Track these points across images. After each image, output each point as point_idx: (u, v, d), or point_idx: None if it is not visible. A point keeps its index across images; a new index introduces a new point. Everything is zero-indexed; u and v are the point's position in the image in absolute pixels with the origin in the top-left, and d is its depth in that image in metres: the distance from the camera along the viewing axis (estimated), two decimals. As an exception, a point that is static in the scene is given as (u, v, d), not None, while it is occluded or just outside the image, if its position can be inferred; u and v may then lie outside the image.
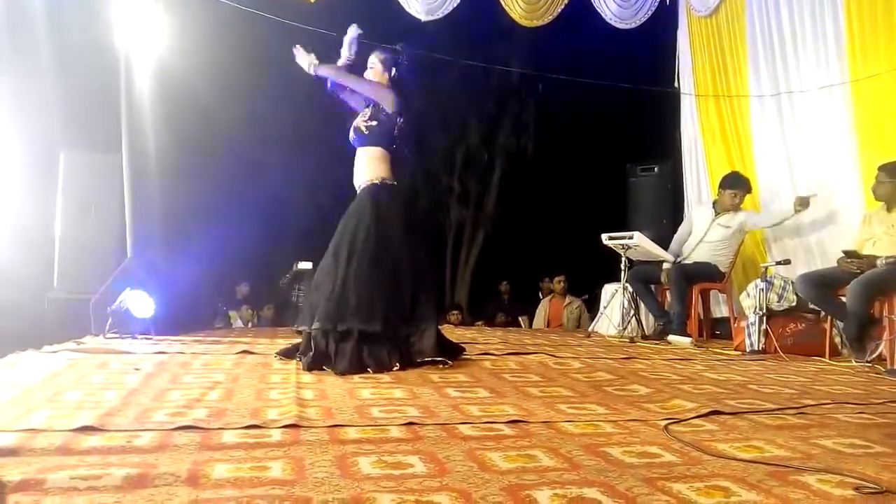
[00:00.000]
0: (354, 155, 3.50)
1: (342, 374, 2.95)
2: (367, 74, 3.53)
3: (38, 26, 4.71)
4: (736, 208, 5.25)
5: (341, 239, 3.35)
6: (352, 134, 3.48)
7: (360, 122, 3.46)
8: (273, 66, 6.18)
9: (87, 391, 2.42)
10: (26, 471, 1.46)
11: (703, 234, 5.31)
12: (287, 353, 3.36)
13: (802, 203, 4.85)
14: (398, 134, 3.46)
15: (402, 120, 3.45)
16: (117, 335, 4.11)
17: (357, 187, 3.47)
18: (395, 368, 3.07)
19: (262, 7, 5.62)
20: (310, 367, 3.04)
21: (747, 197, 5.40)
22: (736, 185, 5.27)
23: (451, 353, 3.35)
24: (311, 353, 3.11)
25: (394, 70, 3.52)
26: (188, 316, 4.95)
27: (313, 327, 3.18)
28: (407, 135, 3.51)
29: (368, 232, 3.31)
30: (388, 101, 3.43)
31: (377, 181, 3.40)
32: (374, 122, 3.43)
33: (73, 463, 1.54)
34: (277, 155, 7.36)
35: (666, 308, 5.31)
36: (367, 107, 3.50)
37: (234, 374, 2.92)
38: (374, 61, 3.53)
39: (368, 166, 3.44)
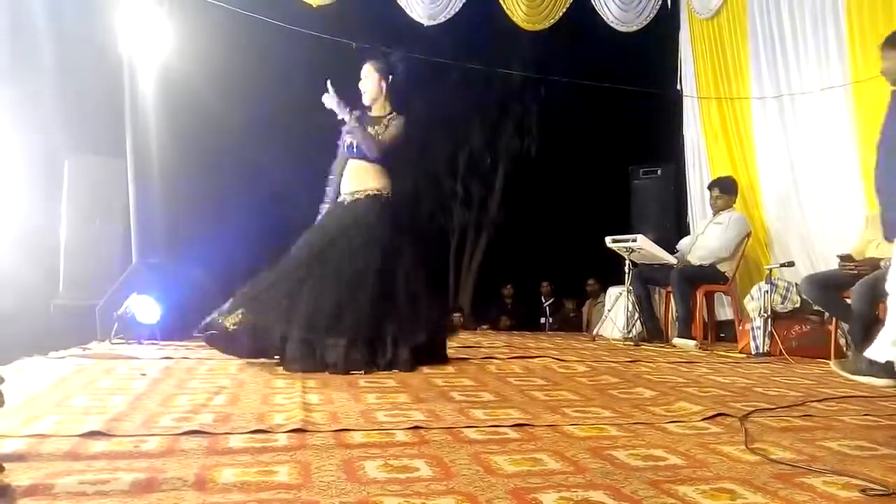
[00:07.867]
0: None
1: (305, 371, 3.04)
2: (364, 84, 3.57)
3: (42, 32, 4.72)
4: (726, 207, 5.32)
5: (310, 243, 3.40)
6: (347, 146, 3.54)
7: None
8: (276, 70, 6.20)
9: (94, 396, 2.42)
10: (35, 476, 1.47)
11: (699, 233, 5.43)
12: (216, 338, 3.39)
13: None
14: (392, 149, 3.51)
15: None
16: (123, 340, 4.12)
17: (344, 195, 3.52)
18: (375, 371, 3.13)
19: (264, 11, 5.65)
20: (303, 370, 3.09)
21: (749, 196, 5.43)
22: (712, 186, 5.47)
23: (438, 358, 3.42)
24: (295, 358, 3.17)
25: (390, 77, 3.57)
26: (194, 321, 4.94)
27: (294, 333, 3.23)
28: (403, 148, 3.56)
29: (347, 244, 3.35)
30: (374, 149, 3.47)
31: (371, 193, 3.46)
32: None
33: (81, 468, 1.55)
34: (282, 158, 7.35)
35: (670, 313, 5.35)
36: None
37: (239, 378, 2.93)
38: (370, 70, 3.57)
39: (361, 177, 3.49)
